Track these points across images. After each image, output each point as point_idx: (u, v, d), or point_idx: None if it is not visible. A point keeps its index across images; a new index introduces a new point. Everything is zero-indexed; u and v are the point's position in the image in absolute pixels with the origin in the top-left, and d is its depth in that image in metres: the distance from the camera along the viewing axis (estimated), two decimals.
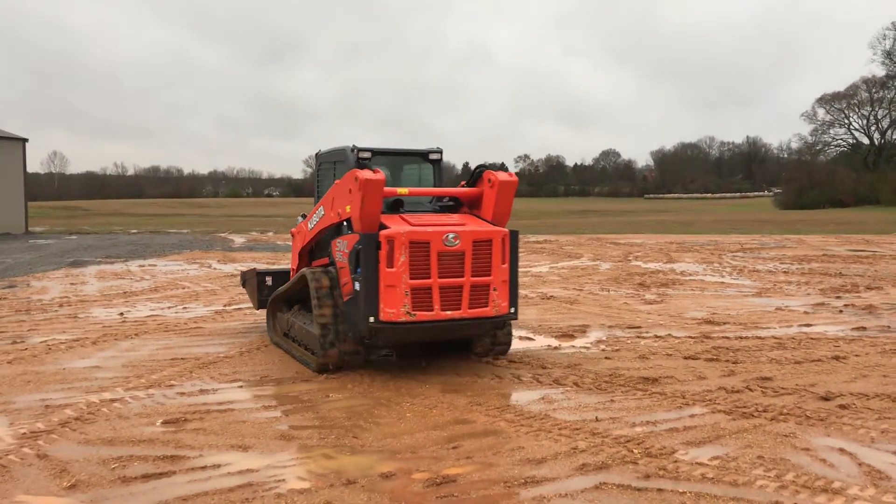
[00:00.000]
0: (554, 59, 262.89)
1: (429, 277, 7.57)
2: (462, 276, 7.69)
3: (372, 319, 7.60)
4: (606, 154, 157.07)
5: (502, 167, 9.18)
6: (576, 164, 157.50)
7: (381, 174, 7.77)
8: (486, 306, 7.82)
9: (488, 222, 8.26)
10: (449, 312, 7.65)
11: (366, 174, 7.72)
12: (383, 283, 7.52)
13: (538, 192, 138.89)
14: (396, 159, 9.58)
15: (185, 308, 13.05)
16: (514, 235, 8.21)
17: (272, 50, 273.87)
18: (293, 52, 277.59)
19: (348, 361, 8.25)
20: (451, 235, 7.62)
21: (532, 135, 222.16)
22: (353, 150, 8.93)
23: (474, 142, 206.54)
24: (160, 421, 6.42)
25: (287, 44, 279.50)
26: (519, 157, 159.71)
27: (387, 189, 8.10)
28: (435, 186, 9.46)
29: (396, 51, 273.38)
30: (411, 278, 7.50)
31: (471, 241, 7.72)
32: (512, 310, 8.12)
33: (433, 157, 9.45)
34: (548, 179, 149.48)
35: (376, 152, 9.11)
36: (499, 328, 8.57)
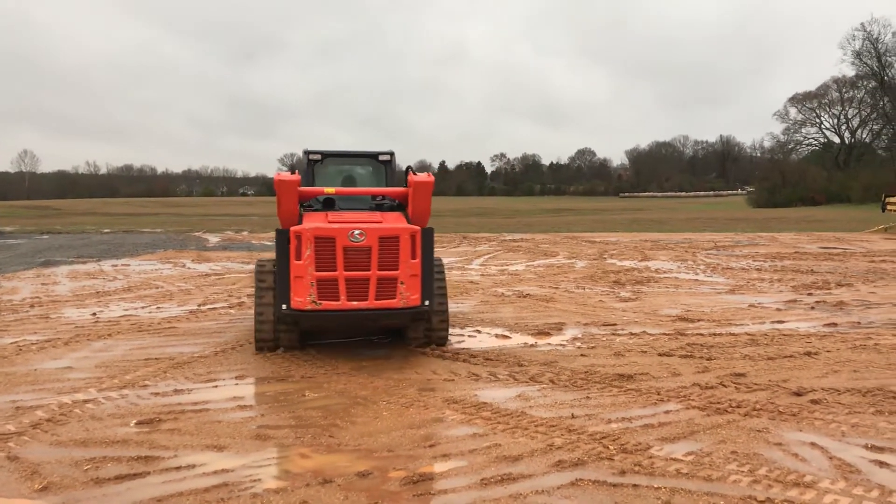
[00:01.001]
0: (530, 58, 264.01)
1: (334, 270, 8.23)
2: (368, 270, 8.29)
3: (284, 307, 8.44)
4: (582, 153, 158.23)
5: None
6: (552, 162, 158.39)
7: (295, 176, 8.65)
8: (394, 298, 8.37)
9: (408, 220, 8.87)
10: (355, 303, 8.29)
11: (280, 175, 8.66)
12: (293, 274, 8.28)
13: (514, 191, 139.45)
14: (349, 161, 10.44)
15: (158, 308, 12.93)
16: (426, 233, 8.73)
17: (246, 47, 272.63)
18: (268, 49, 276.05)
19: (282, 342, 9.07)
20: (356, 232, 8.27)
21: (508, 133, 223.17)
22: (304, 153, 9.94)
23: (451, 140, 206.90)
24: (134, 421, 6.35)
25: (261, 41, 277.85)
26: (495, 155, 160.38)
27: (315, 189, 9.23)
28: (386, 186, 10.13)
29: (373, 49, 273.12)
30: (317, 270, 8.20)
31: (377, 238, 8.32)
32: (426, 302, 8.64)
33: (382, 158, 10.20)
34: (524, 178, 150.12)
35: (327, 154, 10.08)
36: (422, 319, 9.12)
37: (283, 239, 8.47)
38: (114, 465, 5.32)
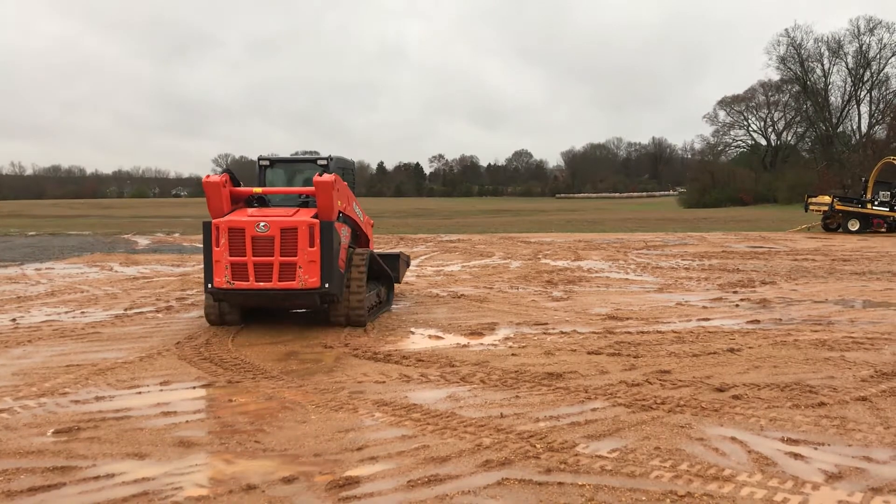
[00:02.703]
0: (467, 59, 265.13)
1: (244, 255, 9.89)
2: (272, 256, 9.85)
3: (209, 286, 10.18)
4: (519, 154, 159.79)
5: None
6: (489, 164, 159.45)
7: (220, 177, 10.33)
8: (294, 280, 9.88)
9: (314, 214, 10.17)
10: (262, 283, 9.92)
11: (208, 178, 10.40)
12: (214, 258, 10.00)
13: (453, 192, 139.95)
14: (294, 165, 11.98)
15: (83, 312, 12.55)
16: (325, 226, 10.03)
17: (176, 44, 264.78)
18: (198, 46, 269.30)
19: (211, 316, 10.92)
20: (262, 224, 9.87)
21: (446, 134, 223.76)
22: (258, 159, 11.73)
23: (389, 141, 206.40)
24: (51, 431, 6.14)
25: (191, 38, 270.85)
26: (434, 156, 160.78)
27: (244, 189, 10.83)
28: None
29: (307, 48, 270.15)
30: (230, 255, 9.92)
31: (279, 229, 9.86)
32: (326, 285, 10.02)
33: (321, 163, 11.50)
34: (462, 179, 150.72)
35: (275, 161, 11.79)
36: (330, 301, 10.54)
37: (207, 230, 10.12)
38: (27, 477, 5.13)
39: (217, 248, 9.94)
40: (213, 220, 10.05)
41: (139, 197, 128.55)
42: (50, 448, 5.72)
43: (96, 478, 5.12)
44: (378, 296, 12.19)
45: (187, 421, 6.47)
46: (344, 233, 11.03)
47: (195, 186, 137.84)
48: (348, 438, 5.95)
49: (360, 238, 12.45)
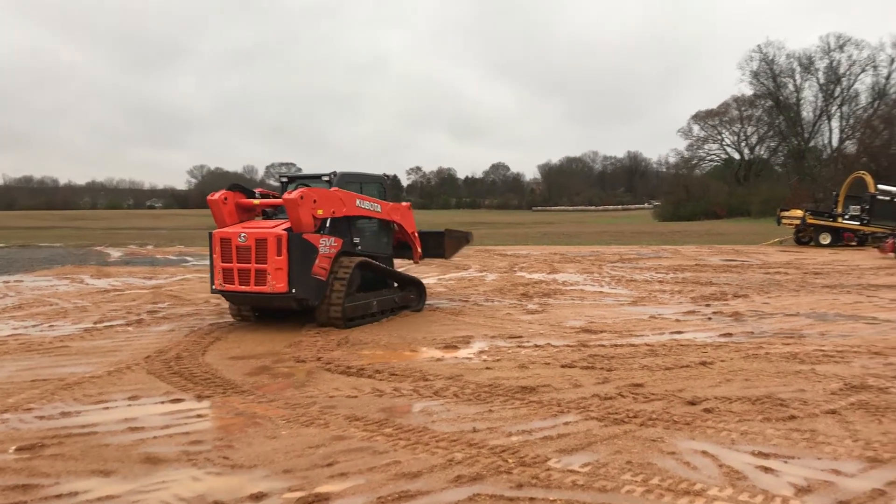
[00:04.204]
0: (445, 71, 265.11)
1: (231, 262, 11.38)
2: (249, 263, 11.23)
3: (213, 287, 11.75)
4: (496, 167, 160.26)
5: (332, 176, 12.47)
6: (466, 176, 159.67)
7: (223, 194, 11.94)
8: (265, 285, 11.17)
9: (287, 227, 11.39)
10: (243, 287, 11.36)
11: (211, 196, 12.01)
12: (213, 264, 11.61)
13: (430, 205, 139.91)
14: (306, 181, 12.61)
15: (51, 326, 12.35)
16: (292, 237, 11.19)
17: (150, 54, 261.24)
18: (172, 56, 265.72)
19: (232, 312, 12.61)
20: (242, 235, 11.30)
21: (424, 146, 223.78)
22: (279, 177, 13.49)
23: (366, 152, 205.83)
24: (13, 448, 6.01)
25: (166, 48, 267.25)
26: (411, 168, 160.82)
27: (246, 201, 12.29)
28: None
29: (285, 58, 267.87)
30: (222, 262, 11.48)
31: (254, 239, 11.23)
32: (293, 290, 11.19)
33: (325, 178, 12.53)
34: (440, 191, 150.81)
35: (293, 177, 13.14)
36: (306, 305, 11.68)
37: (210, 239, 11.72)
38: None
39: (214, 255, 11.53)
40: (212, 232, 11.66)
41: (113, 208, 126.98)
42: (11, 465, 5.60)
43: (59, 496, 5.02)
44: (381, 303, 13.06)
45: (155, 437, 6.36)
46: (326, 243, 11.79)
47: (169, 198, 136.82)
48: (319, 454, 5.88)
49: (388, 231, 14.00)
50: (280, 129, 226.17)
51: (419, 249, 14.82)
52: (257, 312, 12.55)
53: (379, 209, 13.31)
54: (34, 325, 12.39)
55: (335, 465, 5.63)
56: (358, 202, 12.65)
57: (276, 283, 11.08)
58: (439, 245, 15.23)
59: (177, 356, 9.72)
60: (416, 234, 14.70)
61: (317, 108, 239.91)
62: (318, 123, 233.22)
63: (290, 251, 11.11)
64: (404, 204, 14.51)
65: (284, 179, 13.12)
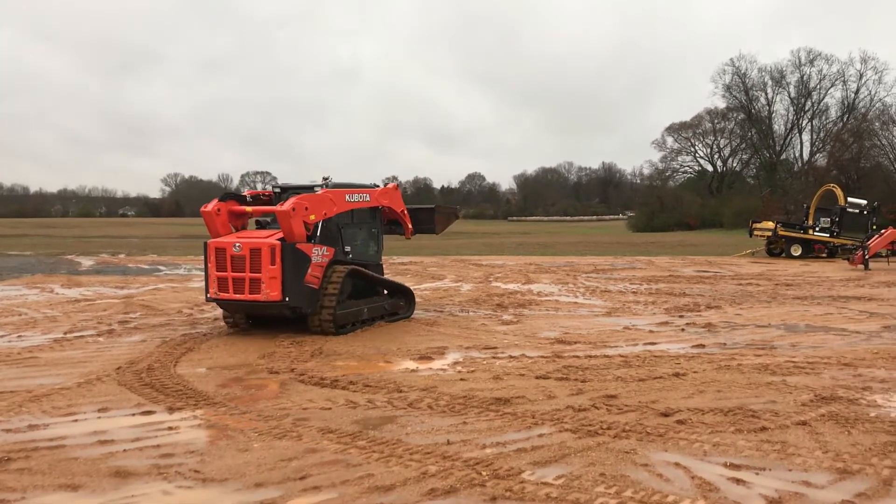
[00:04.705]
0: (419, 80, 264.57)
1: (226, 271, 11.62)
2: (244, 272, 11.46)
3: (208, 295, 11.99)
4: (472, 177, 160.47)
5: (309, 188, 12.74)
6: (443, 186, 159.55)
7: (216, 206, 12.20)
8: (259, 294, 11.43)
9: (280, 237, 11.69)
10: (238, 295, 11.60)
11: (204, 207, 12.30)
12: (208, 273, 11.84)
13: None
14: (299, 191, 12.73)
15: (19, 336, 12.16)
16: (286, 247, 11.51)
17: (122, 60, 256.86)
18: (145, 63, 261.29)
19: (226, 319, 12.81)
20: (237, 245, 11.58)
21: (399, 155, 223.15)
22: (273, 187, 13.53)
23: (342, 161, 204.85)
24: None
25: (138, 54, 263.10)
26: (387, 178, 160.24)
27: (239, 208, 12.59)
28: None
29: (257, 66, 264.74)
30: (217, 271, 11.70)
31: (248, 249, 11.50)
32: (286, 298, 11.48)
33: (316, 189, 12.67)
34: (415, 201, 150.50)
35: (286, 188, 13.15)
36: (299, 313, 11.93)
37: (205, 249, 11.99)
38: None
39: (209, 264, 11.75)
40: (208, 241, 11.94)
41: (85, 216, 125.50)
42: None
43: None
44: (372, 310, 13.41)
45: (125, 450, 6.27)
46: (318, 252, 12.14)
47: (142, 206, 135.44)
48: (292, 467, 5.83)
49: (378, 239, 14.43)
50: (254, 137, 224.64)
51: (410, 225, 15.16)
52: (251, 320, 12.81)
53: (368, 198, 13.70)
54: (2, 336, 12.19)
55: (308, 478, 5.58)
56: (347, 197, 13.08)
57: (270, 291, 11.37)
58: (430, 220, 15.61)
59: (148, 367, 9.61)
60: (406, 212, 15.04)
61: (291, 116, 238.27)
62: (291, 132, 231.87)
63: (283, 260, 11.44)
64: (391, 185, 14.97)
65: (278, 189, 13.39)
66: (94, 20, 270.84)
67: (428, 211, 15.85)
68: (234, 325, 12.74)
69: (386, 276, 14.71)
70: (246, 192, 13.38)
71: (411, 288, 15.12)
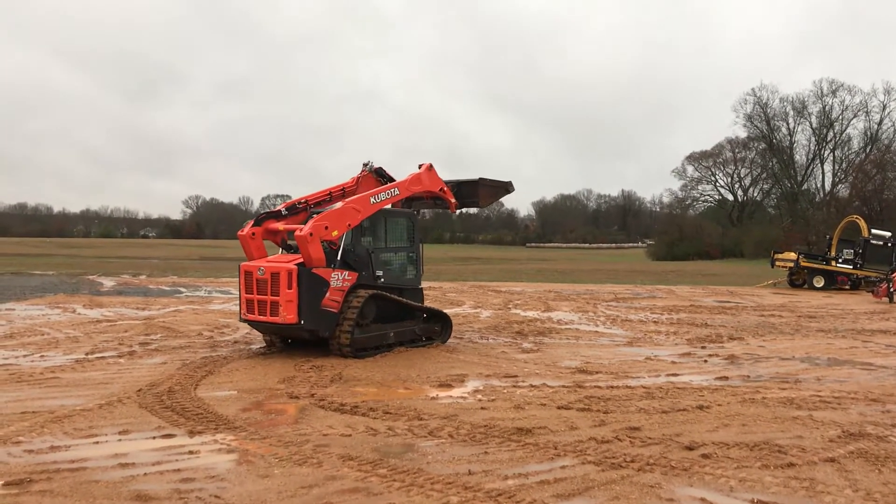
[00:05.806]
0: (439, 103, 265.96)
1: (252, 293, 12.20)
2: (266, 295, 11.97)
3: (240, 317, 12.65)
4: None
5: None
6: (461, 211, 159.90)
7: (250, 230, 12.70)
8: (277, 316, 11.88)
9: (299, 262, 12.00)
10: (262, 317, 12.14)
11: (240, 231, 12.84)
12: (241, 294, 12.46)
13: (424, 239, 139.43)
14: (322, 207, 13.12)
15: (42, 356, 12.23)
16: (302, 272, 11.81)
17: (144, 80, 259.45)
18: (167, 84, 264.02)
19: (265, 338, 13.48)
20: (261, 269, 12.11)
21: None
22: (300, 203, 13.42)
23: None
24: (1, 483, 5.90)
25: (160, 75, 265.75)
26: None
27: (274, 226, 12.95)
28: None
29: (278, 88, 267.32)
30: (245, 293, 12.32)
31: (270, 273, 11.99)
32: (302, 321, 11.81)
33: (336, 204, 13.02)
34: (434, 226, 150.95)
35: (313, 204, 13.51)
36: (317, 336, 12.24)
37: (238, 271, 12.53)
38: None
39: (241, 286, 12.37)
40: (241, 264, 12.51)
41: (106, 237, 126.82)
42: None
43: None
44: (399, 334, 13.38)
45: (145, 473, 6.25)
46: (338, 276, 12.27)
47: (164, 228, 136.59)
48: (312, 494, 5.79)
49: (416, 262, 14.51)
50: (273, 158, 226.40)
51: (453, 200, 14.93)
52: (290, 340, 13.31)
53: (397, 192, 13.58)
54: (25, 355, 12.27)
55: None
56: (372, 199, 12.99)
57: (287, 314, 11.78)
58: (474, 194, 15.37)
59: (169, 390, 9.62)
60: (446, 189, 14.74)
61: (311, 138, 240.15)
62: (311, 154, 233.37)
63: (299, 284, 11.75)
64: (422, 168, 14.38)
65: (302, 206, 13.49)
66: (117, 40, 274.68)
67: (472, 184, 15.32)
68: (270, 344, 13.26)
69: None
70: (281, 205, 13.46)
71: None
